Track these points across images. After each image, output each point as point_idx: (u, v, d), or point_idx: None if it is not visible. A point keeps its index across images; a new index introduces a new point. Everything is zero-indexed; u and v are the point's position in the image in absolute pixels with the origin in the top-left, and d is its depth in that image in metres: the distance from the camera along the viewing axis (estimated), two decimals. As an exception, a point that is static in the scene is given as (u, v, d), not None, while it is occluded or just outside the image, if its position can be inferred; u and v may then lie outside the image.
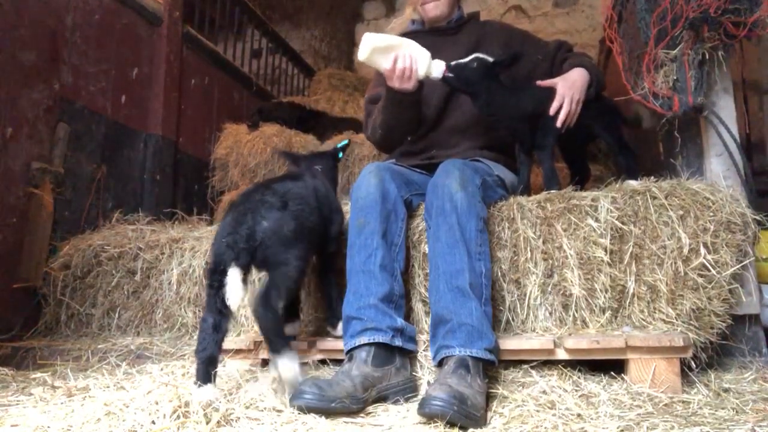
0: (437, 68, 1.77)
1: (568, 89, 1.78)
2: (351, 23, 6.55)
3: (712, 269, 1.55)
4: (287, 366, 1.34)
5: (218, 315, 1.36)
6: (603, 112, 1.89)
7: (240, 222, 1.41)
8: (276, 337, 1.37)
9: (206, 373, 1.33)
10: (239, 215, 1.43)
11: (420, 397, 1.43)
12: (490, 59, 1.80)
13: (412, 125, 1.97)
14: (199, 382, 1.32)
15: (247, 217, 1.42)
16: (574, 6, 5.67)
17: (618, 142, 1.89)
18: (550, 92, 1.79)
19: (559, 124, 1.77)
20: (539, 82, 1.85)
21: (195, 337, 2.19)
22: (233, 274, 1.35)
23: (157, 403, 1.14)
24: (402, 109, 1.89)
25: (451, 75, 1.78)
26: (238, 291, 1.34)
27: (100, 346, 2.06)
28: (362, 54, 1.75)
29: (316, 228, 1.57)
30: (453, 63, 1.79)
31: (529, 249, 1.68)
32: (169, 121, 3.34)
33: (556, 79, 1.83)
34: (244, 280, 1.37)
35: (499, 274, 1.70)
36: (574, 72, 1.84)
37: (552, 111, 1.77)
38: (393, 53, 1.74)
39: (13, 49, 2.39)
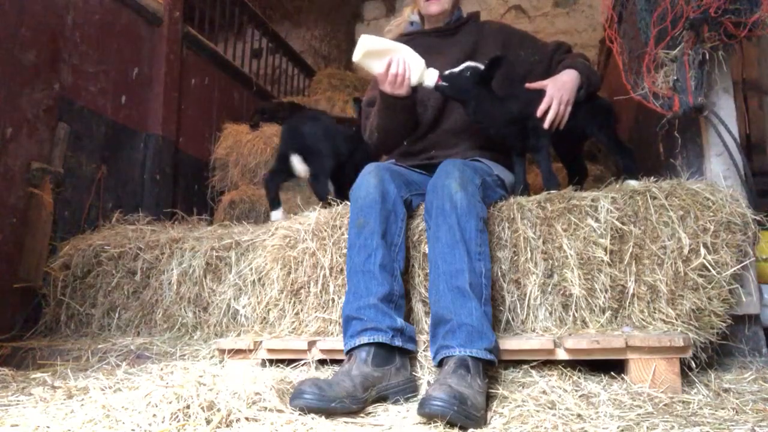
0: (430, 77, 1.76)
1: (557, 91, 1.78)
2: (351, 23, 6.55)
3: (712, 269, 1.55)
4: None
5: (278, 174, 2.37)
6: (597, 112, 1.89)
7: (294, 129, 2.37)
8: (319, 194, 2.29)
9: (274, 202, 2.37)
10: (294, 125, 2.40)
11: (420, 397, 1.42)
12: (482, 66, 1.78)
13: (407, 128, 1.97)
14: (273, 208, 2.37)
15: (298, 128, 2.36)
16: (574, 6, 5.67)
17: (613, 142, 1.89)
18: (539, 94, 1.79)
19: (546, 125, 1.77)
20: (528, 84, 1.85)
21: (195, 337, 2.20)
22: (296, 157, 2.28)
23: (156, 405, 1.14)
24: (396, 113, 1.89)
25: (444, 84, 1.77)
26: (300, 164, 2.28)
27: (100, 346, 2.06)
28: (355, 56, 1.75)
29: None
30: (446, 72, 1.77)
31: (529, 249, 1.68)
32: (169, 121, 3.34)
33: (546, 81, 1.83)
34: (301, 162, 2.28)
35: (499, 274, 1.70)
36: (564, 74, 1.84)
37: (540, 113, 1.77)
38: (387, 58, 1.74)
39: (13, 49, 2.39)
